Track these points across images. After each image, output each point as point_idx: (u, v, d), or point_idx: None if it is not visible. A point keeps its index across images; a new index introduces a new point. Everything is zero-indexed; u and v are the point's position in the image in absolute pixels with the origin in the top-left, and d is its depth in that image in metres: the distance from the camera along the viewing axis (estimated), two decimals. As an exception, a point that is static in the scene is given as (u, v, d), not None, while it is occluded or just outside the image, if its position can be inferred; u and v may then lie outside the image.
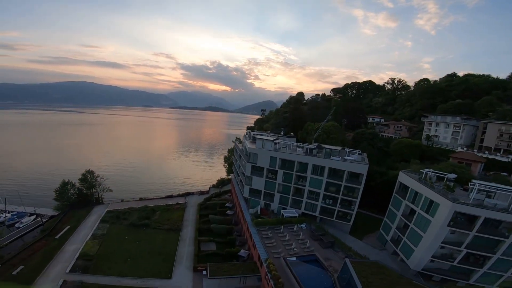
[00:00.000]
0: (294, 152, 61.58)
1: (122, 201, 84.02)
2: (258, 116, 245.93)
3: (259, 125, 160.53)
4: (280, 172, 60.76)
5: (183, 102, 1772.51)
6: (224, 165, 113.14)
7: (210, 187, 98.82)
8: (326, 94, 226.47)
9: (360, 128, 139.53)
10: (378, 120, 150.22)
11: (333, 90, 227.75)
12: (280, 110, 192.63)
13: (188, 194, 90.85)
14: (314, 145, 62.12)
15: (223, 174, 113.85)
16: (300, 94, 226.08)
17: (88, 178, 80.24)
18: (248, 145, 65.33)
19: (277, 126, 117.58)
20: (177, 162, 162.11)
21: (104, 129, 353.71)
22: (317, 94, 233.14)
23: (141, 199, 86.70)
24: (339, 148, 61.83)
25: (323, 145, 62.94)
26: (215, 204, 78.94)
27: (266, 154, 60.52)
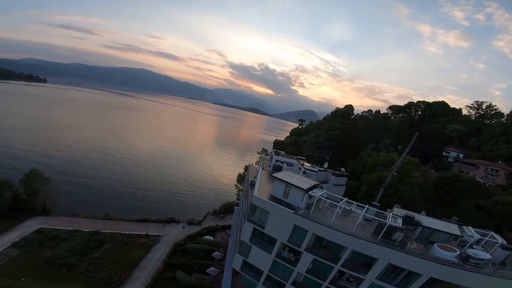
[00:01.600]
0: (346, 220, 29.48)
1: (75, 216, 60.45)
2: (296, 125, 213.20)
3: (294, 138, 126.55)
4: (308, 257, 28.80)
5: (226, 99, 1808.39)
6: (236, 186, 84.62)
7: (207, 213, 70.83)
8: (375, 112, 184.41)
9: (431, 162, 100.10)
10: (456, 154, 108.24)
11: (391, 108, 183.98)
12: (323, 124, 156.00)
13: (171, 221, 63.54)
14: (399, 217, 27.46)
15: (232, 195, 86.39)
16: (349, 108, 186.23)
17: (33, 180, 58.91)
18: (260, 184, 35.35)
19: (318, 147, 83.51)
20: (189, 166, 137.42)
21: (144, 115, 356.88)
22: (369, 110, 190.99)
23: (107, 216, 62.35)
24: (454, 227, 27.68)
25: (417, 218, 28.25)
26: (198, 249, 50.97)
27: (286, 218, 28.91)
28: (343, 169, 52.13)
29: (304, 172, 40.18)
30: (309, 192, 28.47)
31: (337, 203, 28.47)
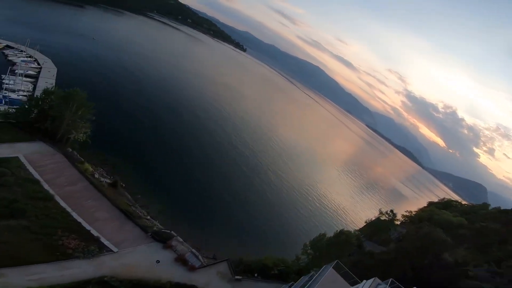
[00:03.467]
0: None
1: (79, 163, 46.69)
2: (453, 195, 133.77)
3: (438, 218, 65.10)
4: None
5: (381, 127, 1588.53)
6: (304, 247, 49.94)
7: (227, 259, 42.87)
8: None
9: None
10: None
11: None
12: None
13: (163, 239, 39.58)
14: None
15: (287, 253, 55.14)
16: None
17: (70, 101, 46.33)
18: None
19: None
20: (285, 172, 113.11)
21: (294, 105, 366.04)
22: None
23: (102, 185, 45.26)
24: None
25: None
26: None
27: None
28: None
29: None
30: None
31: None
